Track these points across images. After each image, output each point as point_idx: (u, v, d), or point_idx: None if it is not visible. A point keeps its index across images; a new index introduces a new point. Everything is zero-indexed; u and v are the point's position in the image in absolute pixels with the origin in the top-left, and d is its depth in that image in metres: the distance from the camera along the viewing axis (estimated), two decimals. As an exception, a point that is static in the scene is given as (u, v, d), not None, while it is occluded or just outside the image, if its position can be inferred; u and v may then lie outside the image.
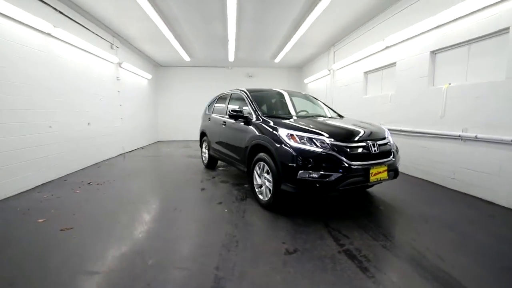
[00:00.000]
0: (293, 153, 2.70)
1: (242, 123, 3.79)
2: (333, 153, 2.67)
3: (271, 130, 3.08)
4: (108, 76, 6.78)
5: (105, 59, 6.59)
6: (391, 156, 3.01)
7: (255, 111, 3.65)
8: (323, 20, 5.91)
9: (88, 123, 5.82)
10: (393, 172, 2.98)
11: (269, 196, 3.06)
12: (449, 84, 4.04)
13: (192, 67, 11.36)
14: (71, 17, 5.08)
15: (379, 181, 2.84)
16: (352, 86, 7.05)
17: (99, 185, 4.33)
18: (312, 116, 3.89)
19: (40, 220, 2.85)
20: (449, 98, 4.02)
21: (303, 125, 3.02)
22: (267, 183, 3.11)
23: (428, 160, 4.47)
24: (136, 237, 2.49)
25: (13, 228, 2.70)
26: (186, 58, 9.37)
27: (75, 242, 2.39)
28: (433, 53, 4.35)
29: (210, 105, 5.84)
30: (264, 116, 3.48)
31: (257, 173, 3.33)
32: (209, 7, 5.30)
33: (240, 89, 4.51)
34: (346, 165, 2.64)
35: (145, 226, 2.76)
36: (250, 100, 3.91)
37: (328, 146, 2.69)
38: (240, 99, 4.36)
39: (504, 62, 3.21)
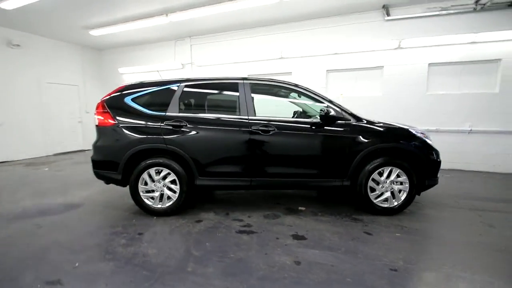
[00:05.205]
0: (436, 149, 3.08)
1: (325, 130, 3.09)
2: (431, 144, 3.44)
3: (402, 131, 3.10)
4: None
5: None
6: None
7: (347, 112, 3.14)
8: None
9: None
10: None
11: (402, 199, 3.07)
12: (341, 94, 6.10)
13: None
14: None
15: None
16: (229, 86, 7.06)
17: None
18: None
19: None
20: (343, 104, 6.07)
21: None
22: (398, 187, 3.04)
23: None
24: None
25: None
26: None
27: None
28: (328, 71, 6.16)
29: (152, 104, 3.18)
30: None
31: (374, 181, 3.04)
32: None
33: (273, 80, 3.56)
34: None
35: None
36: (326, 98, 3.21)
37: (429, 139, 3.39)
38: (285, 92, 3.59)
39: (380, 85, 5.78)
